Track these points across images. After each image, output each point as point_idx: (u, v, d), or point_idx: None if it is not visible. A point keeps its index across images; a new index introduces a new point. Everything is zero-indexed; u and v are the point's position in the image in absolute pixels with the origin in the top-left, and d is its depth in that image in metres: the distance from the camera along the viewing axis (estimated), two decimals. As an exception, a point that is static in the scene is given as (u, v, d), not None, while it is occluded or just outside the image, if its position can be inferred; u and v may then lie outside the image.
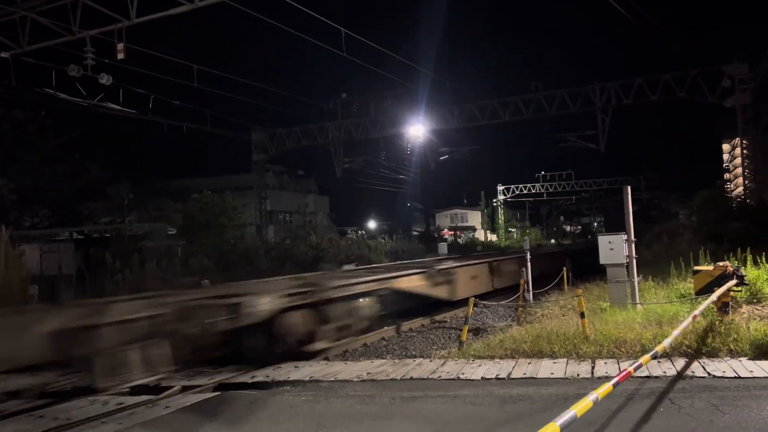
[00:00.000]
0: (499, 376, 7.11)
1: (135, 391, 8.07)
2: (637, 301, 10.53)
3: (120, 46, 17.03)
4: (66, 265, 23.24)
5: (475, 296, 11.17)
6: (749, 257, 11.13)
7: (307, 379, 7.67)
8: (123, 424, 6.17)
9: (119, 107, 25.27)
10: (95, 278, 23.50)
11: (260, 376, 8.12)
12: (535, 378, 6.97)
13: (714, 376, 6.44)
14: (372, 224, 75.30)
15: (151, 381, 8.34)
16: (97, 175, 30.95)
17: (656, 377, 6.53)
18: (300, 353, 9.32)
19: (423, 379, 7.32)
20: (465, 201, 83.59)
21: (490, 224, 71.18)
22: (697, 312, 6.81)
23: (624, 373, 4.13)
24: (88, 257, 25.04)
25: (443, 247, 32.41)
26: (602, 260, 11.34)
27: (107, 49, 17.92)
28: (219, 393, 7.45)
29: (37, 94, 23.15)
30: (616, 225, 16.04)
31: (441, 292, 14.83)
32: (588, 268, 17.12)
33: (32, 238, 28.81)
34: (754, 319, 8.40)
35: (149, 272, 25.01)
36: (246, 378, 8.03)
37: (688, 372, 6.65)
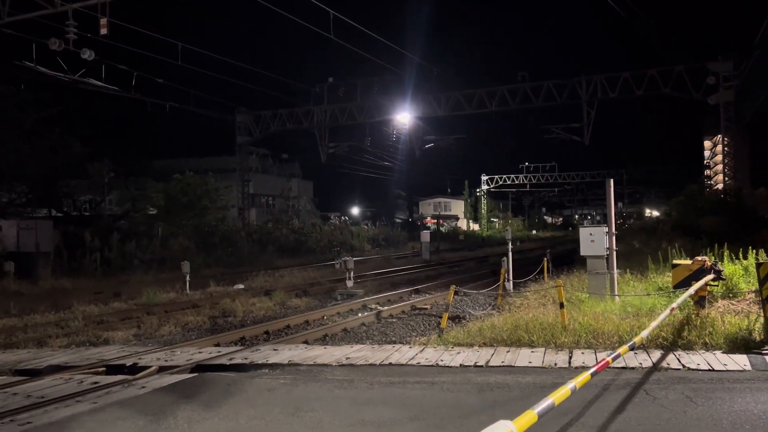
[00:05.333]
0: (477, 364, 7.14)
1: (111, 370, 8.01)
2: (616, 292, 10.62)
3: (103, 20, 16.69)
4: (44, 242, 22.90)
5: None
6: (726, 252, 11.27)
7: (286, 362, 7.65)
8: (98, 404, 6.11)
9: (101, 83, 24.86)
10: (73, 256, 23.21)
11: (238, 358, 8.09)
12: (513, 366, 7.01)
13: (688, 369, 6.53)
14: (356, 210, 75.26)
15: (127, 360, 8.29)
16: (78, 151, 30.42)
17: (632, 368, 6.60)
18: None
19: (402, 365, 7.34)
20: (449, 190, 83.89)
21: (473, 214, 71.47)
22: (674, 305, 6.87)
23: (602, 362, 4.15)
24: (66, 235, 24.70)
25: (426, 235, 32.45)
26: (583, 252, 11.43)
27: (90, 24, 17.59)
28: (196, 374, 7.40)
29: (17, 67, 22.66)
30: None
31: None
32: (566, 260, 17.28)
33: (9, 213, 28.33)
34: (729, 313, 8.52)
35: (129, 252, 24.79)
36: (224, 360, 7.99)
37: (664, 364, 6.73)
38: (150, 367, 7.81)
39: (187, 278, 17.69)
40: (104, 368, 8.10)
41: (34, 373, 7.99)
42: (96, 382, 7.08)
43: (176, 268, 19.84)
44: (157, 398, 6.31)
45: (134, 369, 7.88)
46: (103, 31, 16.79)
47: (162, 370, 7.71)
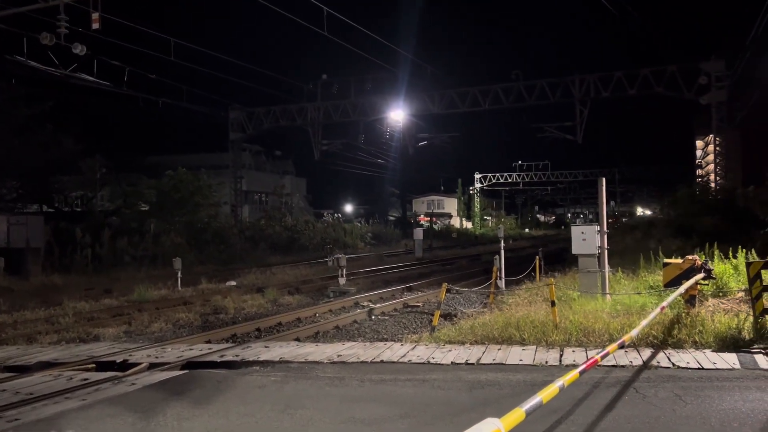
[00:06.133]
0: (468, 362, 7.15)
1: (100, 367, 7.97)
2: (607, 291, 10.65)
3: (95, 15, 16.57)
4: (34, 238, 22.75)
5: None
6: (717, 252, 11.32)
7: (277, 359, 7.63)
8: (87, 400, 6.07)
9: (93, 78, 24.67)
10: (64, 252, 23.09)
11: (229, 355, 8.06)
12: (504, 364, 7.02)
13: (678, 367, 6.55)
14: (349, 208, 75.20)
15: (117, 357, 8.25)
16: (69, 147, 30.23)
17: (622, 366, 6.62)
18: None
19: (393, 362, 7.33)
20: (442, 188, 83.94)
21: (466, 212, 71.60)
22: (665, 304, 6.89)
23: (591, 361, 4.16)
24: (57, 231, 24.55)
25: (419, 233, 32.45)
26: (575, 250, 11.45)
27: (82, 19, 17.46)
28: (187, 371, 7.36)
29: (9, 61, 22.47)
30: None
31: None
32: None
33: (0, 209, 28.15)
34: (719, 312, 8.56)
35: (120, 248, 24.68)
36: (215, 357, 7.96)
37: (654, 362, 6.75)
38: (140, 363, 7.77)
39: (179, 275, 17.63)
40: (94, 365, 8.05)
41: (22, 370, 7.93)
42: (85, 379, 7.04)
43: (168, 265, 19.78)
44: (146, 395, 6.28)
45: (124, 366, 7.83)
46: (95, 25, 16.67)
47: (152, 366, 7.67)
